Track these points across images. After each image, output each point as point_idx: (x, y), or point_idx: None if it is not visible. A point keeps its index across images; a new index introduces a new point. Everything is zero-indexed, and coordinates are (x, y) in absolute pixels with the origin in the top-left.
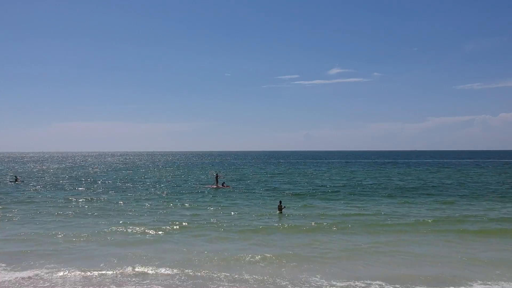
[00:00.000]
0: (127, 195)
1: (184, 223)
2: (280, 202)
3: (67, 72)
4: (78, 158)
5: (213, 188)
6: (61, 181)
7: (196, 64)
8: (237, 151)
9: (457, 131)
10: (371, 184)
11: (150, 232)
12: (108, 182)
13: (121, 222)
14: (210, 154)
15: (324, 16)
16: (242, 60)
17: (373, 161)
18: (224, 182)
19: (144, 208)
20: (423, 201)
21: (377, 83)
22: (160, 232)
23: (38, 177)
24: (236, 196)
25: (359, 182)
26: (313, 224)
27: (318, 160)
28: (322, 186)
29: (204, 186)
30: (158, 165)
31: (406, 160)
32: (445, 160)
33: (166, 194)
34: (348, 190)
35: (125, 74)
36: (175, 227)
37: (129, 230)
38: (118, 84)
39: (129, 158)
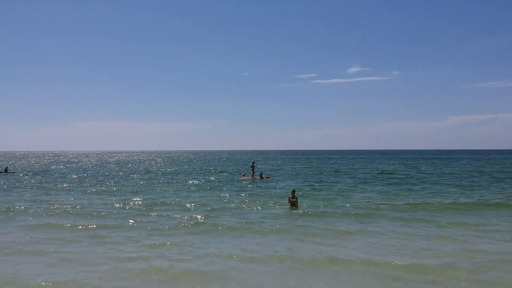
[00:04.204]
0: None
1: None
2: (293, 192)
3: (86, 71)
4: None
5: (248, 180)
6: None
7: (214, 64)
8: (254, 150)
9: (478, 130)
10: None
11: None
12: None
13: None
14: (229, 153)
15: (343, 14)
16: (260, 60)
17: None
18: (262, 173)
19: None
20: None
21: (396, 81)
22: None
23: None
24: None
25: None
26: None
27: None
28: None
29: (235, 178)
30: (182, 161)
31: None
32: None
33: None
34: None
35: (143, 73)
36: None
37: None
38: (137, 83)
39: (150, 156)
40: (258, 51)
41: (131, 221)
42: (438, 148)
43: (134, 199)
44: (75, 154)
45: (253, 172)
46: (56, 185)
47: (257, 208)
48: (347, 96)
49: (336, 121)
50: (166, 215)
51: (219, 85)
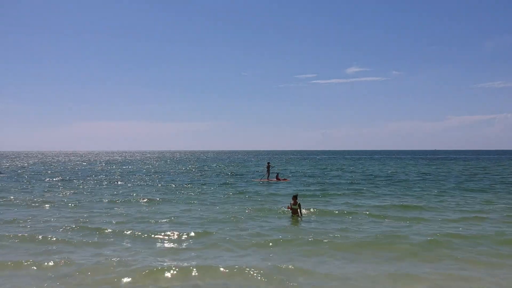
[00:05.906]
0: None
1: None
2: (295, 197)
3: (86, 71)
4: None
5: (263, 181)
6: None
7: (213, 63)
8: (253, 150)
9: (478, 130)
10: None
11: None
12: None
13: None
14: (227, 153)
15: (342, 14)
16: (259, 59)
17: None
18: (278, 174)
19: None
20: None
21: (395, 81)
22: None
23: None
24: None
25: None
26: None
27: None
28: None
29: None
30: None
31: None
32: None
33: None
34: None
35: (142, 73)
36: None
37: None
38: (136, 83)
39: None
40: (257, 52)
41: (77, 257)
42: (436, 149)
43: (100, 216)
44: (69, 154)
45: (269, 173)
46: (15, 190)
47: (252, 221)
48: (346, 96)
49: (335, 121)
50: (123, 240)
51: (218, 85)
